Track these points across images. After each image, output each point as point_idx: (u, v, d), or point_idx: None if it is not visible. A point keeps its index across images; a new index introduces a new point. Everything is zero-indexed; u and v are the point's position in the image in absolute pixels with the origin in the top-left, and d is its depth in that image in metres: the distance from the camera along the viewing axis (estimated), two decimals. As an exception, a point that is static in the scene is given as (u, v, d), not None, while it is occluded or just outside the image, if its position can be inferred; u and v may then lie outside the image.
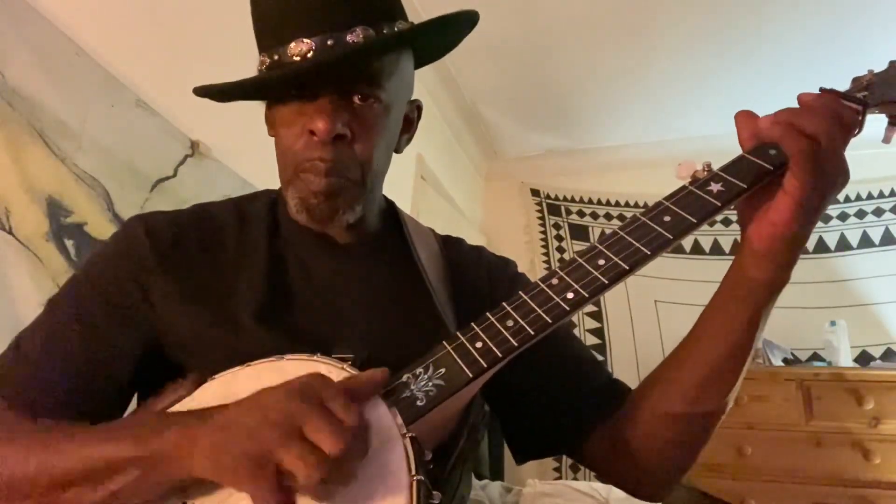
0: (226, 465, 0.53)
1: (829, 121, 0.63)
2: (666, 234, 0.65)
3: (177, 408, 0.67)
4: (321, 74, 0.76)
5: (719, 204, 0.65)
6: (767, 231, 0.64)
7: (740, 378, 0.73)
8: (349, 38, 0.76)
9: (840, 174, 0.64)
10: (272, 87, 0.80)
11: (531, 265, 3.67)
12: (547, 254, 3.73)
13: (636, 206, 3.67)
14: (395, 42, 0.80)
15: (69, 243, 1.35)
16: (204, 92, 0.81)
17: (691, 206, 0.66)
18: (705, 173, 0.68)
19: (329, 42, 0.75)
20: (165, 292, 0.77)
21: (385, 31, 0.78)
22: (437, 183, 3.19)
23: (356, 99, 0.78)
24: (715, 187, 0.66)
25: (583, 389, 0.85)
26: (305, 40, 0.75)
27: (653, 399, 0.77)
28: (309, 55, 0.75)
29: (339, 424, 0.52)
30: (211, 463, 0.54)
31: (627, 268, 0.64)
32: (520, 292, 0.67)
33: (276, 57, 0.77)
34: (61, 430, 0.64)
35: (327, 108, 0.76)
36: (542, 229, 3.80)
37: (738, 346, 0.71)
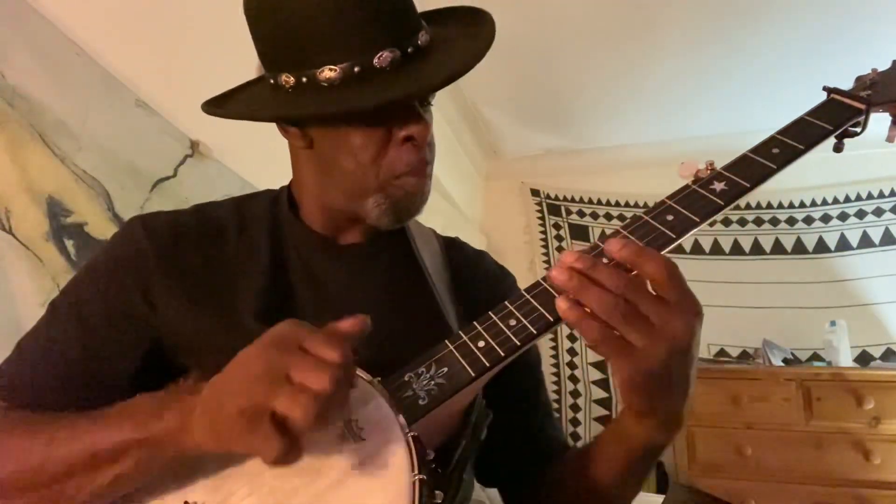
0: (223, 429, 0.54)
1: (615, 301, 0.58)
2: (669, 233, 0.65)
3: None
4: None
5: (722, 203, 0.65)
6: (621, 393, 0.64)
7: (633, 495, 0.78)
8: (420, 41, 0.76)
9: (658, 343, 0.58)
10: (401, 102, 0.75)
11: (531, 265, 3.67)
12: (547, 254, 3.72)
13: (636, 206, 3.67)
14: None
15: (69, 243, 1.35)
16: (307, 115, 0.78)
17: (694, 205, 0.66)
18: (708, 172, 0.68)
19: (410, 49, 0.75)
20: (166, 293, 0.77)
21: (424, 34, 0.77)
22: (437, 182, 3.18)
23: (428, 104, 0.80)
24: (718, 186, 0.66)
25: (527, 436, 0.91)
26: (391, 50, 0.73)
27: (572, 482, 0.82)
28: (393, 63, 0.73)
29: (321, 361, 0.53)
30: (209, 431, 0.55)
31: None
32: (522, 290, 0.67)
33: (356, 69, 0.72)
34: (62, 420, 0.65)
35: (417, 114, 0.77)
36: (542, 229, 3.79)
37: (627, 482, 0.76)
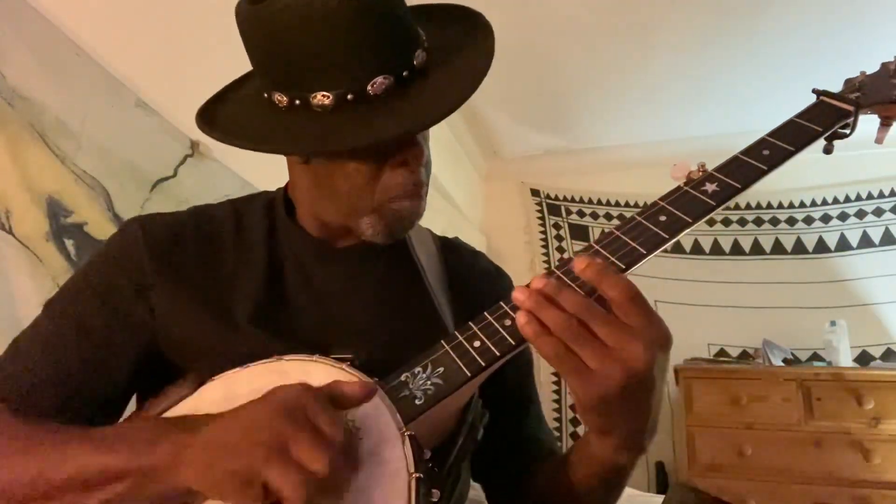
0: (214, 482, 0.54)
1: (568, 320, 0.58)
2: (661, 233, 0.65)
3: (177, 409, 0.68)
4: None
5: (714, 204, 0.66)
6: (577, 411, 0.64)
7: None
8: (416, 61, 0.75)
9: (610, 372, 0.57)
10: (405, 135, 0.75)
11: (531, 265, 3.67)
12: (547, 254, 3.73)
13: (636, 205, 3.67)
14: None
15: (69, 243, 1.36)
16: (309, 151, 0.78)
17: (686, 206, 0.67)
18: (700, 174, 0.68)
19: (405, 73, 0.74)
20: (163, 295, 0.77)
21: (420, 53, 0.76)
22: (436, 182, 3.19)
23: None
24: (710, 187, 0.67)
25: (516, 438, 0.91)
26: (385, 77, 0.72)
27: (550, 487, 0.82)
28: (388, 89, 0.72)
29: (325, 442, 0.52)
30: (200, 477, 0.55)
31: (623, 267, 0.64)
32: None
33: (349, 96, 0.72)
34: (57, 435, 0.64)
35: (413, 140, 0.77)
36: (542, 229, 3.79)
37: (596, 495, 0.76)
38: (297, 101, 0.74)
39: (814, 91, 0.70)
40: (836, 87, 0.75)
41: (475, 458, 0.88)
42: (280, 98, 0.75)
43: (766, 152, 0.66)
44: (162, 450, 0.58)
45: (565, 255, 3.66)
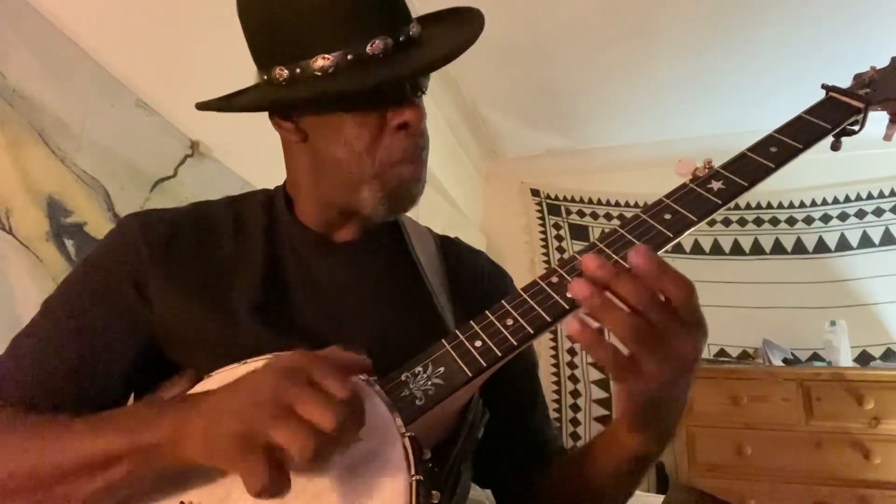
0: (216, 447, 0.53)
1: (638, 324, 0.55)
2: (666, 231, 0.65)
3: None
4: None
5: (720, 202, 0.65)
6: (619, 408, 0.64)
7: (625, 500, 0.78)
8: (412, 31, 0.77)
9: (670, 362, 0.56)
10: (393, 85, 0.76)
11: (531, 265, 3.67)
12: (547, 254, 3.73)
13: (636, 205, 3.67)
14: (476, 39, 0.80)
15: (69, 243, 1.35)
16: (277, 102, 0.79)
17: (692, 204, 0.66)
18: (706, 171, 0.68)
19: (402, 38, 0.75)
20: (161, 290, 0.77)
21: (414, 25, 0.79)
22: (436, 182, 3.18)
23: (421, 93, 0.81)
24: (716, 185, 0.66)
25: (524, 437, 0.91)
26: (383, 38, 0.74)
27: (565, 486, 0.82)
28: (386, 51, 0.74)
29: (331, 398, 0.51)
30: (202, 446, 0.54)
31: (628, 266, 0.64)
32: (519, 290, 0.67)
33: (349, 56, 0.73)
34: (57, 423, 0.64)
35: (411, 101, 0.78)
36: (542, 229, 3.79)
37: (618, 487, 0.76)
38: (298, 70, 0.75)
39: (823, 87, 0.69)
40: (840, 83, 0.74)
41: (483, 462, 0.87)
42: (280, 72, 0.76)
43: (773, 149, 0.65)
44: (162, 427, 0.57)
45: (565, 255, 3.66)
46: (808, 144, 0.67)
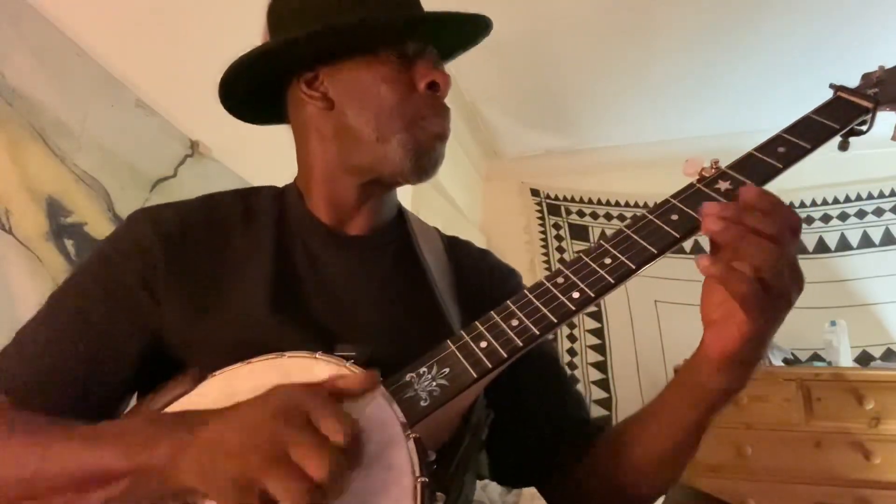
0: (213, 485, 0.53)
1: (778, 248, 0.57)
2: (673, 232, 0.64)
3: (176, 405, 0.67)
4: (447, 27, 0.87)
5: (727, 202, 0.64)
6: (719, 346, 0.63)
7: (682, 469, 0.78)
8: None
9: (790, 295, 0.60)
10: (419, 24, 0.85)
11: (531, 265, 3.66)
12: (547, 254, 3.72)
13: (636, 205, 3.67)
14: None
15: (69, 243, 1.35)
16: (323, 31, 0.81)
17: (699, 204, 0.65)
18: (713, 171, 0.67)
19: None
20: (171, 288, 0.77)
21: None
22: (436, 182, 3.18)
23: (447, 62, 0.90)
24: (723, 185, 0.66)
25: (563, 423, 0.88)
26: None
27: (609, 464, 0.80)
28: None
29: (325, 445, 0.51)
30: (199, 478, 0.54)
31: (634, 267, 0.63)
32: (525, 290, 0.67)
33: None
34: (56, 432, 0.63)
35: (441, 64, 0.87)
36: (542, 229, 3.79)
37: (684, 445, 0.75)
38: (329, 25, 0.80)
39: (831, 86, 0.69)
40: (845, 82, 0.74)
41: (517, 461, 0.88)
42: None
43: (781, 149, 0.64)
44: (160, 450, 0.57)
45: (566, 256, 3.66)
46: (816, 144, 0.66)
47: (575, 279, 0.64)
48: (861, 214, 3.32)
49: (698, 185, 0.67)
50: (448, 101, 0.86)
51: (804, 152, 0.65)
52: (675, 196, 0.67)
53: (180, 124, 1.65)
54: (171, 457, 0.56)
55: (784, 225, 0.58)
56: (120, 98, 1.51)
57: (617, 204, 3.74)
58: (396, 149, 0.81)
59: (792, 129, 0.68)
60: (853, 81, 0.75)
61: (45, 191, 1.31)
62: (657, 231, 0.65)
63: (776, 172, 0.64)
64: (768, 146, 0.66)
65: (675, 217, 0.65)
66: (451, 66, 0.85)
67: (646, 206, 3.39)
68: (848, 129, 0.69)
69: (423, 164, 0.83)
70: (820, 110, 0.70)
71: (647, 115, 3.43)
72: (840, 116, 0.69)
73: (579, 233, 3.74)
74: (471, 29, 0.90)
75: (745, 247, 0.57)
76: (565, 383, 0.94)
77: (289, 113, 0.90)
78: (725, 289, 0.58)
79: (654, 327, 3.36)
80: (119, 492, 0.58)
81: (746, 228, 0.57)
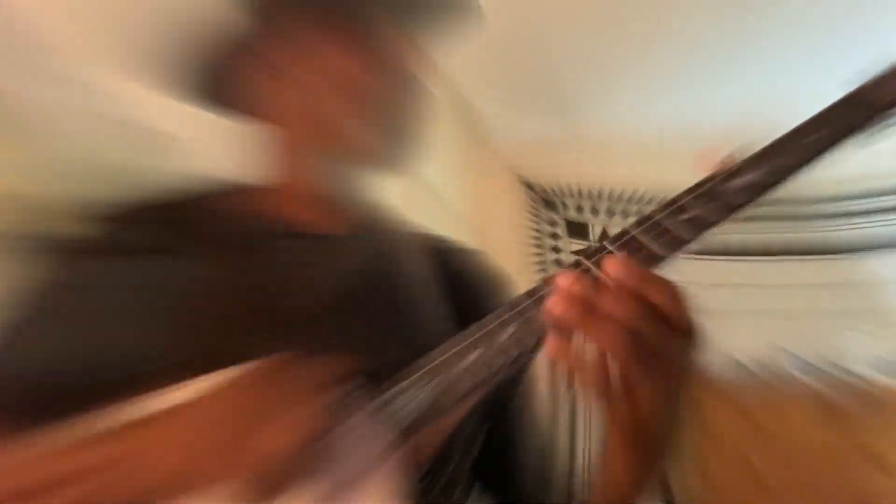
0: (174, 485, 0.53)
1: (630, 338, 0.52)
2: (682, 235, 0.60)
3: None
4: None
5: (745, 200, 0.59)
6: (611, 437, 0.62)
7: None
8: None
9: (656, 375, 0.54)
10: None
11: (524, 266, 3.61)
12: (542, 254, 3.66)
13: (641, 200, 3.54)
14: None
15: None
16: None
17: (712, 203, 0.61)
18: (729, 165, 0.62)
19: None
20: None
21: None
22: (422, 177, 3.14)
23: None
24: (741, 180, 0.61)
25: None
26: None
27: None
28: None
29: (285, 446, 0.52)
30: (161, 477, 0.54)
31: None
32: (512, 301, 0.62)
33: None
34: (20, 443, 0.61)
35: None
36: (536, 227, 3.71)
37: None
38: None
39: (859, 71, 0.63)
40: (857, 61, 0.68)
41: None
42: None
43: (808, 139, 0.59)
44: (117, 450, 0.56)
45: (561, 256, 3.60)
46: (844, 137, 0.60)
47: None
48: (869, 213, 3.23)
49: (712, 181, 0.61)
50: (434, 88, 0.89)
51: (834, 142, 0.60)
52: (685, 193, 0.62)
53: (176, 124, 1.65)
54: (131, 456, 0.56)
55: (634, 307, 0.52)
56: (116, 98, 1.50)
57: (620, 198, 3.60)
58: (372, 127, 0.82)
59: (820, 118, 0.62)
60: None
61: (34, 191, 1.29)
62: (664, 233, 0.61)
63: (802, 165, 0.59)
64: (793, 136, 0.61)
65: (684, 217, 0.61)
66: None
67: (651, 199, 3.32)
68: (882, 115, 0.62)
69: (399, 140, 0.84)
70: (848, 98, 0.64)
71: (658, 96, 3.28)
72: (874, 102, 0.62)
73: (578, 231, 3.61)
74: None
75: (592, 330, 0.52)
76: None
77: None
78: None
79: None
80: (91, 489, 0.57)
81: (591, 312, 0.52)
